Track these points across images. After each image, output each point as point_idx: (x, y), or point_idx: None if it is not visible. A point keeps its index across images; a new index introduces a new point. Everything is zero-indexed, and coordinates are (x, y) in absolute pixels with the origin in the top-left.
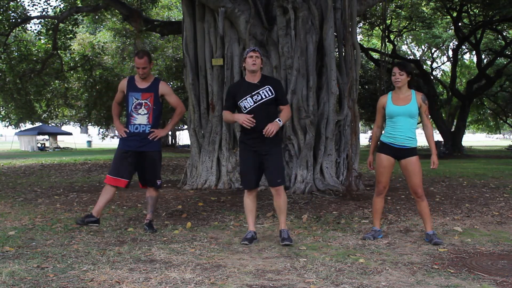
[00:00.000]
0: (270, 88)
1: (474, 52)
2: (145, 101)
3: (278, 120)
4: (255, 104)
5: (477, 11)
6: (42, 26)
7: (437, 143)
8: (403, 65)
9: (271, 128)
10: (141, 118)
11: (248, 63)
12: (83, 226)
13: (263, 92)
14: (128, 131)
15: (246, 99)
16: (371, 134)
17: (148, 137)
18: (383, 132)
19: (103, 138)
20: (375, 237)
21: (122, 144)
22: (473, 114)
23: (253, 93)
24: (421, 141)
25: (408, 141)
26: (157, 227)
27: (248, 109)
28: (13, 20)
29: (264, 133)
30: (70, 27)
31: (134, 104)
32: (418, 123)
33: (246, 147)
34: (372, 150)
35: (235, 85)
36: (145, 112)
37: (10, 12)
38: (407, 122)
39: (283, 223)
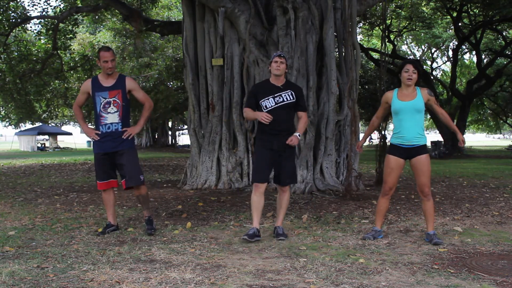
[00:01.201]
0: (292, 93)
1: (474, 52)
2: (114, 98)
3: (298, 135)
4: (276, 105)
5: (477, 11)
6: (42, 26)
7: (437, 143)
8: (416, 63)
9: (294, 140)
10: (111, 117)
11: (273, 67)
12: (104, 234)
13: (285, 95)
14: (99, 132)
15: (268, 99)
16: (370, 135)
17: (122, 136)
18: (382, 131)
19: None
20: (375, 237)
21: (97, 147)
22: (473, 114)
23: (275, 95)
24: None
25: (417, 139)
26: (157, 227)
27: (269, 109)
28: (13, 20)
29: (287, 142)
30: (70, 27)
31: (102, 103)
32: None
33: (263, 144)
34: (366, 136)
35: (259, 85)
36: (115, 110)
37: (10, 12)
38: (413, 118)
39: (280, 221)
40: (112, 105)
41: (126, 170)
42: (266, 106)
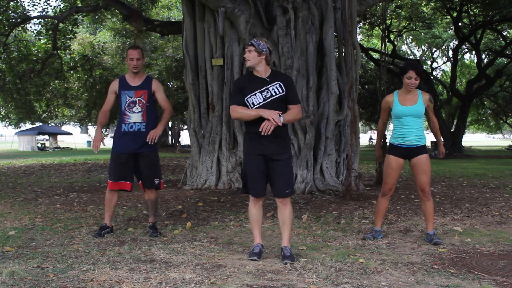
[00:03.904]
0: (281, 84)
1: (474, 52)
2: (139, 98)
3: (280, 115)
4: (265, 101)
5: (477, 11)
6: (42, 26)
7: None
8: (420, 68)
9: (268, 125)
10: (135, 117)
11: (245, 61)
12: (100, 237)
13: (273, 89)
14: (98, 149)
15: (255, 94)
16: (370, 135)
17: (147, 140)
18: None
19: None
20: (375, 237)
21: (116, 146)
22: (473, 114)
23: (262, 89)
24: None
25: (417, 139)
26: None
27: (256, 107)
28: (13, 20)
29: (260, 130)
30: (70, 27)
31: (127, 102)
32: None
33: (251, 150)
34: (378, 145)
35: (242, 78)
36: (139, 110)
37: (10, 12)
38: (415, 121)
39: (286, 240)
40: (137, 104)
41: (144, 172)
42: (253, 103)
